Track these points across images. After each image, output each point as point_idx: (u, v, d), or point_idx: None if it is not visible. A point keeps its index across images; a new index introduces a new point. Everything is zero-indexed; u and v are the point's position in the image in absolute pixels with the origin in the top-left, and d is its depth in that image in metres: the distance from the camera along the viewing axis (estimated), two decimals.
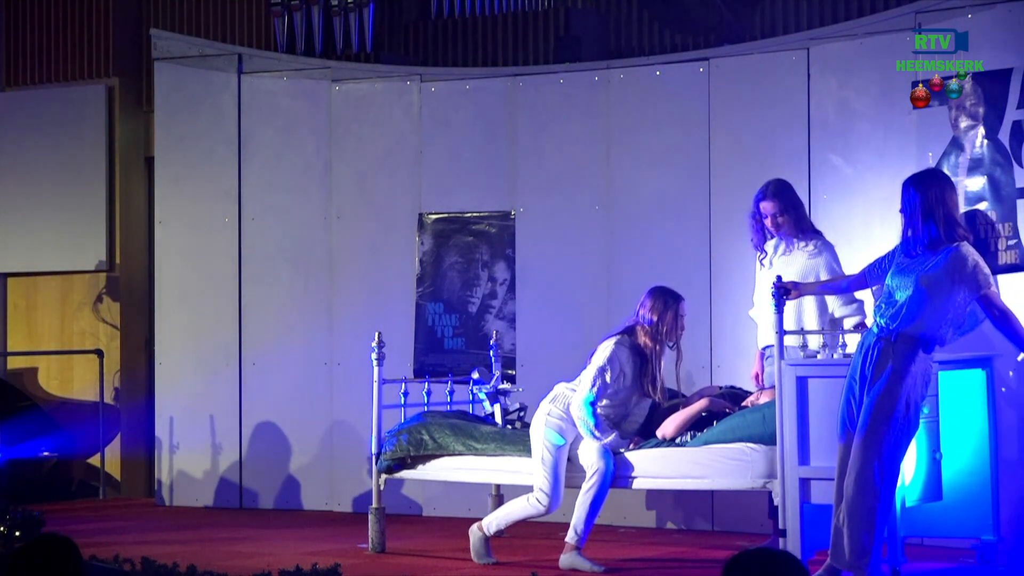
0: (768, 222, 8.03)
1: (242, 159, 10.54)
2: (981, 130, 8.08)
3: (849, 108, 8.75)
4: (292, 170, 10.40)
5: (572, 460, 7.78)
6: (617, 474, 7.69)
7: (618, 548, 8.40)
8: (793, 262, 7.95)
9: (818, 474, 7.02)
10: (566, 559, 7.68)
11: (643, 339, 7.78)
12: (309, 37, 10.77)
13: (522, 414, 8.56)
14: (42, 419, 11.18)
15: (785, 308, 7.31)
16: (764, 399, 7.65)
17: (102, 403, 11.15)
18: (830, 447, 6.86)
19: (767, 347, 7.97)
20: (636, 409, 7.84)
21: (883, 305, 6.72)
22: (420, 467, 8.33)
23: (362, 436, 9.58)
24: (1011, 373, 7.72)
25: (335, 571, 7.16)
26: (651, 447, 7.71)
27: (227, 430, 10.45)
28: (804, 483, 7.09)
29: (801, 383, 7.10)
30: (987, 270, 6.71)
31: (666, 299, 7.80)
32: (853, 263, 7.73)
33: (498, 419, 8.50)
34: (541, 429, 7.80)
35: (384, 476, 8.39)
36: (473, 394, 8.73)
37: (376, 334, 8.55)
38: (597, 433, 7.67)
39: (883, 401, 6.57)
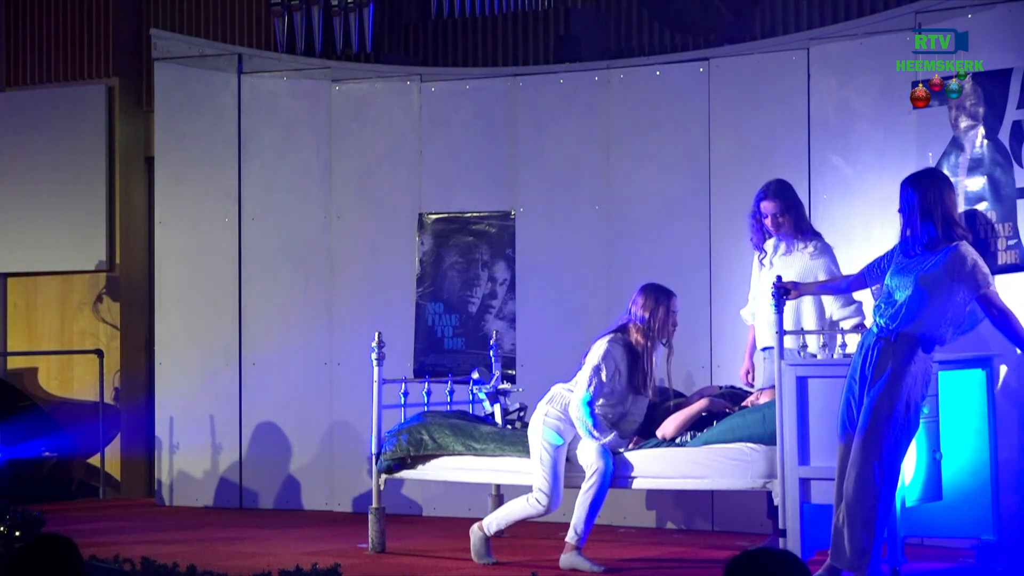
0: (768, 222, 8.03)
1: (242, 159, 10.53)
2: (981, 130, 8.07)
3: (849, 108, 8.75)
4: (292, 170, 10.40)
5: (571, 460, 7.78)
6: (617, 474, 7.69)
7: (618, 548, 8.40)
8: (793, 263, 7.95)
9: (818, 474, 7.02)
10: (566, 559, 7.68)
11: (635, 336, 7.78)
12: (309, 37, 10.77)
13: (522, 414, 8.55)
14: (42, 419, 11.17)
15: (784, 309, 7.31)
16: (764, 399, 7.65)
17: (102, 403, 11.14)
18: (830, 447, 6.86)
19: (766, 348, 7.97)
20: (634, 408, 7.83)
21: (882, 305, 6.72)
22: (420, 467, 8.33)
23: (362, 436, 9.57)
24: (1010, 372, 7.72)
25: (335, 571, 7.16)
26: (651, 447, 7.71)
27: (227, 430, 10.44)
28: (804, 483, 7.09)
29: (801, 383, 7.10)
30: (986, 269, 6.71)
31: (657, 296, 7.79)
32: (853, 263, 7.73)
33: (498, 419, 8.50)
34: (539, 429, 7.79)
35: (384, 476, 8.39)
36: (473, 394, 8.73)
37: (376, 334, 8.55)
38: (595, 433, 7.67)
39: (883, 401, 6.57)
